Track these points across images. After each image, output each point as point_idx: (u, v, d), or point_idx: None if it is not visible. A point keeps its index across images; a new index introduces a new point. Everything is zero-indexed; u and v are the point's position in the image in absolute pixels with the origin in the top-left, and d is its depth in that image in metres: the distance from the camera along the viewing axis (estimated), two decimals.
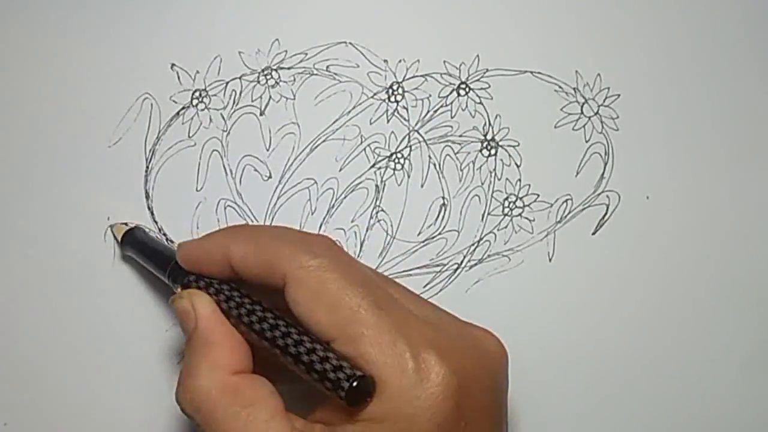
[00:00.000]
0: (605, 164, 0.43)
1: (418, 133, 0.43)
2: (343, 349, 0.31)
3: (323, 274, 0.32)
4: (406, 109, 0.43)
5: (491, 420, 0.33)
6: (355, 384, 0.30)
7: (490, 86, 0.43)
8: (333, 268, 0.32)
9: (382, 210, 0.43)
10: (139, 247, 0.40)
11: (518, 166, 0.43)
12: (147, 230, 0.41)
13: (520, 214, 0.43)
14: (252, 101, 0.43)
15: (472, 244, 0.43)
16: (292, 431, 0.31)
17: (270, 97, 0.43)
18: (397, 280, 0.42)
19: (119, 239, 0.41)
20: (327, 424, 0.31)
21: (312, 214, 0.42)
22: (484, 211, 0.43)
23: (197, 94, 0.43)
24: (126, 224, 0.41)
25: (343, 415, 0.31)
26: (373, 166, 0.43)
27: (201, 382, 0.32)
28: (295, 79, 0.43)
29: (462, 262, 0.42)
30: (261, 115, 0.43)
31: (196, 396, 0.32)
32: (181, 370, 0.34)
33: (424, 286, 0.42)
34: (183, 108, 0.42)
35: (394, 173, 0.43)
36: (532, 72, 0.43)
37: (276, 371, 0.34)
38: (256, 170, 0.42)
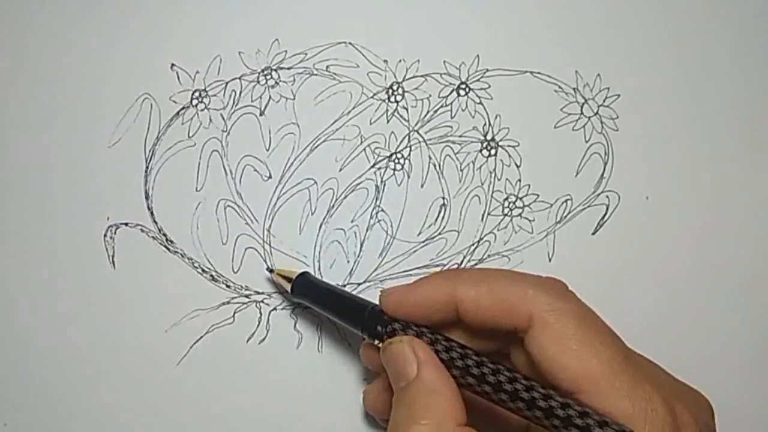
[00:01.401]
0: (605, 164, 0.43)
1: (418, 133, 0.43)
2: (593, 402, 0.30)
3: (573, 319, 0.31)
4: (406, 109, 0.43)
5: None
6: None
7: (490, 86, 0.43)
8: (581, 315, 0.31)
9: (382, 210, 0.43)
10: (317, 295, 0.39)
11: (518, 167, 0.43)
12: (312, 273, 0.40)
13: (520, 215, 0.43)
14: (252, 101, 0.43)
15: (472, 244, 0.43)
16: None
17: (270, 97, 0.43)
18: (397, 279, 0.42)
19: (288, 287, 0.40)
20: None
21: (312, 214, 0.42)
22: (484, 211, 0.43)
23: (197, 94, 0.43)
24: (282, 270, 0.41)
25: None
26: (373, 166, 0.43)
27: (431, 430, 0.31)
28: (295, 79, 0.43)
29: (462, 262, 0.42)
30: (261, 115, 0.43)
31: None
32: (396, 417, 0.32)
33: None
34: (183, 108, 0.42)
35: (394, 173, 0.43)
36: (532, 72, 0.43)
37: (482, 425, 0.33)
38: (255, 170, 0.42)
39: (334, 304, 0.38)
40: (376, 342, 0.35)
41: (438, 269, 0.42)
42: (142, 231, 0.42)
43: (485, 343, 0.34)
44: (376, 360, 0.35)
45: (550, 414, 0.30)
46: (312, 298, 0.39)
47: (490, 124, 0.43)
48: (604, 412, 0.30)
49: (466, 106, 0.43)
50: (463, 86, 0.43)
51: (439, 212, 0.43)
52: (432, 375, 0.32)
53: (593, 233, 0.43)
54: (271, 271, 0.41)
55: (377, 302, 0.36)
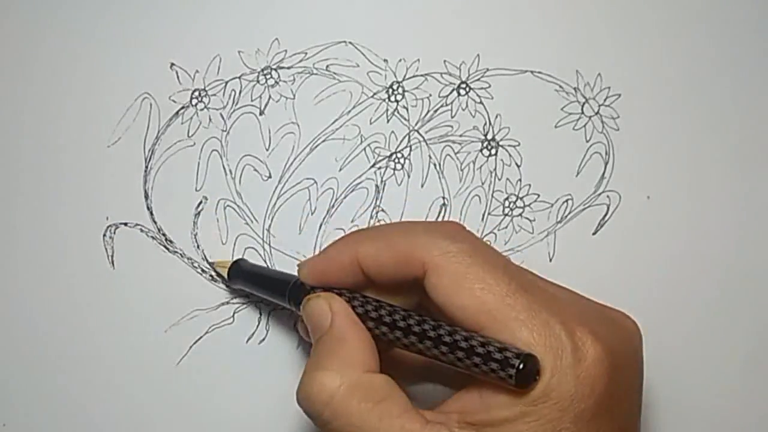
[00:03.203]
0: (606, 164, 0.43)
1: (418, 132, 0.43)
2: (494, 335, 0.31)
3: (465, 259, 0.32)
4: (406, 109, 0.43)
5: (636, 397, 0.33)
6: (523, 365, 0.29)
7: (490, 86, 0.43)
8: (474, 253, 0.32)
9: (382, 210, 0.43)
10: (249, 278, 0.40)
11: (518, 166, 0.43)
12: (248, 260, 0.41)
13: (520, 214, 0.43)
14: (252, 101, 0.43)
15: None
16: (426, 424, 0.31)
17: (270, 96, 0.43)
18: None
19: (226, 275, 0.41)
20: (462, 414, 0.31)
21: (312, 214, 0.42)
22: (485, 211, 0.43)
23: (196, 93, 0.42)
24: (223, 260, 0.41)
25: (494, 402, 0.31)
26: (373, 165, 0.43)
27: (333, 376, 0.32)
28: (294, 79, 0.43)
29: None
30: (261, 114, 0.43)
31: (327, 390, 0.32)
32: (307, 366, 0.33)
33: None
34: (182, 108, 0.42)
35: (394, 173, 0.43)
36: (532, 71, 0.43)
37: (396, 375, 0.33)
38: (255, 170, 0.42)
39: (264, 284, 0.39)
40: (303, 301, 0.36)
41: None
42: (142, 231, 0.42)
43: (402, 299, 0.35)
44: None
45: (455, 347, 0.31)
46: (246, 282, 0.40)
47: (490, 124, 0.43)
48: (505, 343, 0.30)
49: (467, 106, 0.43)
50: (464, 86, 0.43)
51: (440, 212, 0.43)
52: (342, 324, 0.33)
53: (594, 233, 0.43)
54: (211, 264, 0.42)
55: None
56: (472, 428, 0.31)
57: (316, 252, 0.42)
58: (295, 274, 0.37)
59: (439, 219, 0.43)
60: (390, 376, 0.33)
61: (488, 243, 0.34)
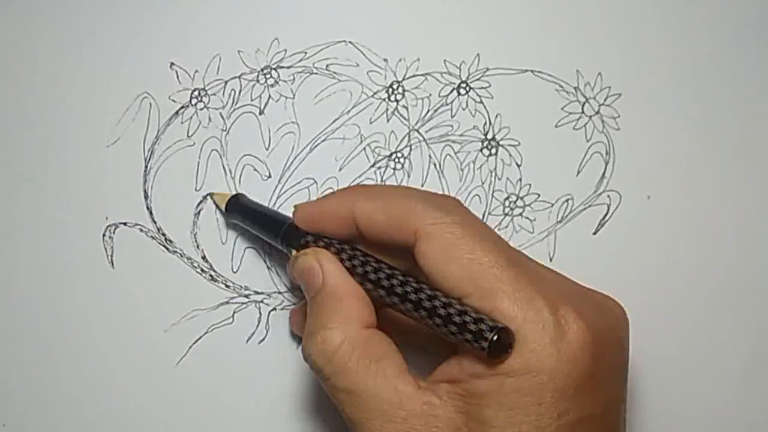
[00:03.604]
0: (606, 164, 0.43)
1: (419, 132, 0.43)
2: (477, 304, 0.31)
3: (456, 230, 0.32)
4: (406, 109, 0.43)
5: (619, 378, 0.33)
6: (496, 336, 0.29)
7: (490, 85, 0.43)
8: (466, 224, 0.32)
9: None
10: (246, 213, 0.40)
11: (519, 166, 0.43)
12: (249, 196, 0.42)
13: (520, 214, 0.43)
14: (251, 100, 0.43)
15: None
16: (418, 389, 0.32)
17: (269, 96, 0.43)
18: None
19: (223, 207, 0.41)
20: (450, 383, 0.32)
21: None
22: (485, 211, 0.43)
23: (196, 93, 0.42)
24: (220, 193, 0.42)
25: (473, 371, 0.31)
26: (373, 165, 0.43)
27: (334, 333, 0.32)
28: (294, 78, 0.43)
29: None
30: (260, 114, 0.43)
31: (330, 346, 0.32)
32: (308, 325, 0.34)
33: None
34: (182, 107, 0.42)
35: (394, 173, 0.43)
36: (532, 71, 0.43)
37: (393, 333, 0.34)
38: (255, 170, 0.42)
39: (260, 221, 0.39)
40: (293, 253, 0.36)
41: None
42: (141, 230, 0.42)
43: (393, 259, 0.35)
44: None
45: (433, 313, 0.31)
46: (243, 217, 0.40)
47: (490, 124, 0.43)
48: (486, 313, 0.30)
49: (467, 105, 0.43)
50: (464, 85, 0.43)
51: None
52: (335, 281, 0.34)
53: (594, 233, 0.43)
54: (209, 195, 0.42)
55: None
56: (460, 398, 0.31)
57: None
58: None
59: None
60: (389, 333, 0.34)
61: (481, 220, 0.35)
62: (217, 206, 0.42)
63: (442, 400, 0.31)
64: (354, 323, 0.33)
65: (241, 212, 0.41)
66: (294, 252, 0.36)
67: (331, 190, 0.42)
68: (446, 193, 0.43)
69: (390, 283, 0.33)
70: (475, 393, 0.31)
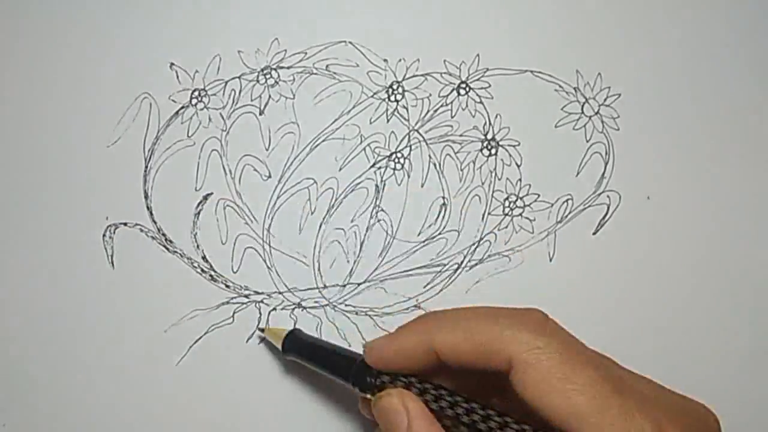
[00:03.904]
0: (606, 164, 0.43)
1: (418, 132, 0.43)
2: None
3: (554, 356, 0.31)
4: (406, 109, 0.43)
5: None
6: None
7: (490, 85, 0.43)
8: (563, 349, 0.31)
9: (382, 210, 0.43)
10: (306, 352, 0.39)
11: (519, 166, 0.43)
12: (303, 330, 0.40)
13: (520, 214, 0.43)
14: (251, 101, 0.43)
15: (473, 244, 0.43)
16: None
17: (269, 96, 0.43)
18: (397, 279, 0.42)
19: (279, 345, 0.40)
20: None
21: (312, 214, 0.42)
22: (485, 211, 0.43)
23: (196, 93, 0.42)
24: (269, 327, 0.41)
25: None
26: (373, 165, 0.43)
27: None
28: (294, 79, 0.43)
29: (462, 262, 0.42)
30: (260, 114, 0.43)
31: None
32: None
33: (424, 287, 0.42)
34: (182, 107, 0.42)
35: (394, 173, 0.43)
36: (532, 71, 0.43)
37: None
38: (255, 170, 0.42)
39: (324, 360, 0.38)
40: (368, 395, 0.35)
41: (438, 270, 0.42)
42: (141, 231, 0.42)
43: (476, 383, 0.34)
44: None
45: None
46: (302, 354, 0.39)
47: (490, 124, 0.43)
48: None
49: (467, 106, 0.43)
50: (464, 85, 0.43)
51: (440, 212, 0.43)
52: (422, 428, 0.32)
53: (594, 233, 0.43)
54: (262, 330, 0.41)
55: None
56: None
57: (316, 253, 0.42)
58: (357, 351, 0.36)
59: (443, 220, 0.43)
60: None
61: (572, 335, 0.33)
62: (268, 344, 0.41)
63: None
64: None
65: (299, 351, 0.39)
66: (369, 395, 0.35)
67: (332, 190, 0.42)
68: (446, 194, 0.43)
69: (488, 426, 0.31)
70: None
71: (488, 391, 0.34)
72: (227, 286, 0.42)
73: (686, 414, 0.32)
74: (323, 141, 0.43)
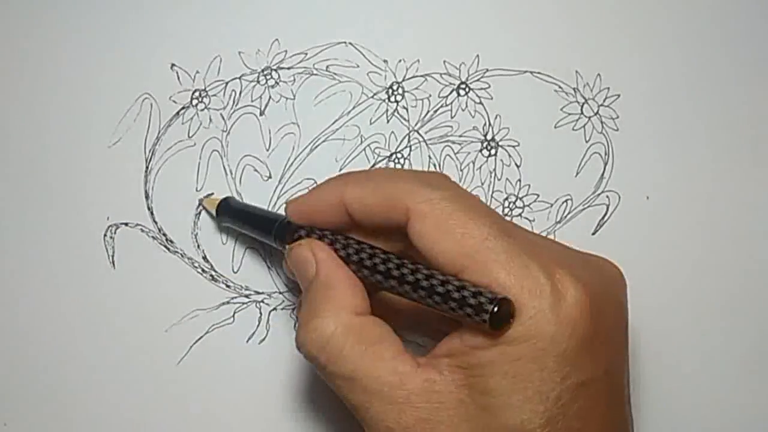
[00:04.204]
0: (605, 164, 0.43)
1: (418, 133, 0.43)
2: (474, 278, 0.31)
3: (448, 205, 0.32)
4: (406, 109, 0.43)
5: (619, 339, 0.33)
6: (497, 308, 0.29)
7: (490, 86, 0.43)
8: (456, 199, 0.32)
9: None
10: (237, 215, 0.41)
11: (518, 166, 0.43)
12: (238, 198, 0.42)
13: (520, 214, 0.43)
14: (252, 101, 0.43)
15: None
16: (417, 367, 0.32)
17: (270, 97, 0.43)
18: None
19: (214, 211, 0.41)
20: (451, 357, 0.32)
21: None
22: None
23: (197, 94, 0.42)
24: (211, 195, 0.42)
25: (475, 344, 0.31)
26: (373, 166, 0.43)
27: (327, 322, 0.33)
28: (295, 79, 0.43)
29: None
30: (261, 115, 0.43)
31: (322, 335, 0.32)
32: (301, 314, 0.34)
33: None
34: (183, 108, 0.42)
35: None
36: (532, 72, 0.43)
37: (389, 318, 0.34)
38: (256, 170, 0.42)
39: (251, 221, 0.40)
40: (287, 249, 0.36)
41: None
42: (142, 231, 0.42)
43: (386, 245, 0.35)
44: None
45: (432, 292, 0.31)
46: (234, 219, 0.41)
47: (490, 124, 0.43)
48: (484, 286, 0.30)
49: (466, 106, 0.43)
50: (463, 86, 0.43)
51: None
52: (328, 271, 0.34)
53: (593, 233, 0.43)
54: (199, 202, 0.42)
55: None
56: (461, 371, 0.31)
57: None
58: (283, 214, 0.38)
59: None
60: (382, 318, 0.34)
61: (472, 194, 0.35)
62: (207, 211, 0.42)
63: (442, 375, 0.31)
64: (346, 311, 0.33)
65: (231, 215, 0.41)
66: (288, 247, 0.37)
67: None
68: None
69: (386, 267, 0.33)
70: (477, 364, 0.31)
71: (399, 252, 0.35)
72: (228, 286, 0.42)
73: (583, 264, 0.33)
74: (323, 141, 0.43)
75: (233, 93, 0.43)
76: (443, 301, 0.31)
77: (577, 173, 0.43)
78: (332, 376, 0.33)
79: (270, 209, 0.42)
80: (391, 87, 0.43)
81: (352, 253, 0.34)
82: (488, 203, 0.43)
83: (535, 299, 0.30)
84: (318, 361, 0.33)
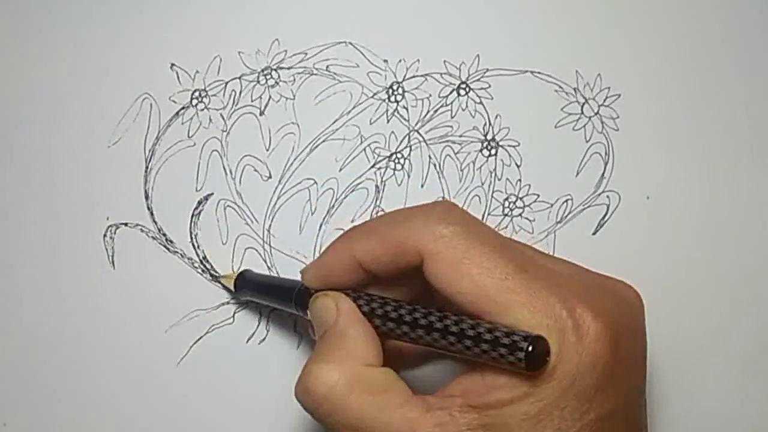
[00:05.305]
0: (605, 164, 0.43)
1: (418, 133, 0.43)
2: (497, 320, 0.30)
3: (461, 242, 0.31)
4: (406, 109, 0.43)
5: (638, 368, 0.33)
6: (531, 347, 0.29)
7: (490, 86, 0.43)
8: (468, 235, 0.32)
9: (382, 210, 0.43)
10: (255, 288, 0.40)
11: (518, 166, 0.43)
12: (252, 270, 0.42)
13: (520, 215, 0.43)
14: (252, 101, 0.43)
15: None
16: (427, 411, 0.31)
17: (270, 97, 0.43)
18: None
19: (232, 287, 0.41)
20: (465, 396, 0.31)
21: (312, 214, 0.42)
22: (485, 212, 0.43)
23: (197, 94, 0.42)
24: (231, 272, 0.42)
25: (497, 384, 0.30)
26: (373, 166, 0.43)
27: (332, 370, 0.32)
28: (294, 79, 0.43)
29: None
30: (261, 115, 0.43)
31: (326, 383, 0.31)
32: (307, 361, 0.33)
33: None
34: (182, 108, 0.42)
35: (394, 173, 0.43)
36: (532, 72, 0.43)
37: (402, 364, 0.34)
38: (255, 170, 0.42)
39: (270, 292, 0.39)
40: (308, 315, 0.36)
41: None
42: (142, 231, 0.42)
43: (407, 292, 0.35)
44: None
45: (463, 336, 0.30)
46: (254, 292, 0.40)
47: (490, 124, 0.43)
48: (509, 327, 0.30)
49: (467, 106, 0.43)
50: (464, 86, 0.43)
51: None
52: (345, 320, 0.33)
53: (594, 233, 0.43)
54: (216, 278, 0.42)
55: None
56: (474, 411, 0.31)
57: (316, 253, 0.42)
58: (299, 278, 0.37)
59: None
60: (393, 366, 0.33)
61: (479, 218, 0.34)
62: (226, 288, 0.42)
63: (452, 417, 0.31)
64: (355, 360, 0.32)
65: (251, 288, 0.40)
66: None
67: (332, 190, 0.42)
68: (445, 194, 0.43)
69: (413, 317, 0.32)
70: (496, 404, 0.30)
71: (424, 300, 0.34)
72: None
73: (602, 293, 0.32)
74: (323, 141, 0.43)
75: (233, 93, 0.43)
76: (474, 344, 0.30)
77: (578, 173, 0.43)
78: (337, 425, 0.32)
79: (271, 210, 0.42)
80: (391, 87, 0.43)
81: (376, 307, 0.34)
82: (488, 203, 0.43)
83: (559, 338, 0.30)
84: (320, 410, 0.32)
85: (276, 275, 0.42)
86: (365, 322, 0.33)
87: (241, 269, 0.42)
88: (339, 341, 0.33)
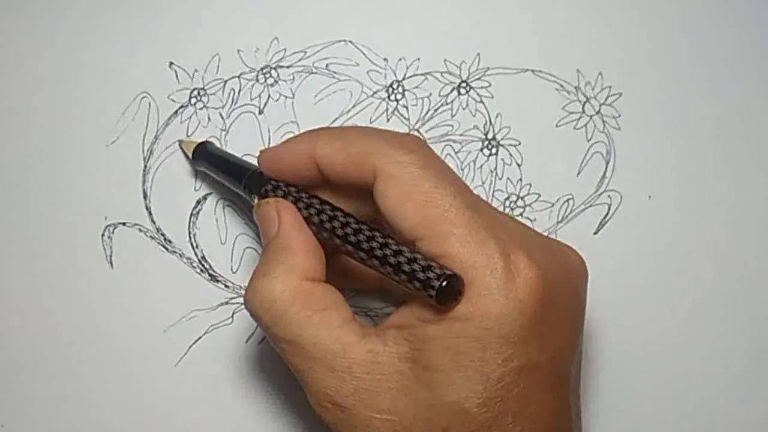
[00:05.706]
0: (607, 163, 0.43)
1: (419, 132, 0.43)
2: (430, 248, 0.31)
3: (416, 171, 0.32)
4: (407, 108, 0.43)
5: (571, 328, 0.33)
6: (445, 283, 0.29)
7: (490, 85, 0.43)
8: (426, 166, 0.32)
9: None
10: (212, 160, 0.40)
11: (519, 166, 0.43)
12: (217, 143, 0.42)
13: (521, 214, 0.43)
14: (251, 100, 0.43)
15: None
16: (363, 337, 0.32)
17: (269, 95, 0.43)
18: None
19: (190, 154, 0.41)
20: (399, 328, 0.32)
21: None
22: None
23: (195, 92, 0.42)
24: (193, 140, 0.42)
25: (423, 316, 0.31)
26: None
27: (275, 284, 0.32)
28: (294, 78, 0.43)
29: None
30: (260, 114, 0.43)
31: (268, 296, 0.32)
32: (254, 271, 0.34)
33: None
34: (181, 107, 0.42)
35: None
36: (533, 70, 0.43)
37: (346, 282, 0.34)
38: None
39: (224, 167, 0.39)
40: (255, 200, 0.36)
41: None
42: (140, 231, 0.42)
43: (356, 205, 0.35)
44: None
45: (384, 262, 0.31)
46: (209, 164, 0.40)
47: (491, 123, 0.43)
48: (438, 257, 0.30)
49: (467, 105, 0.43)
50: (464, 85, 0.43)
51: None
52: (288, 233, 0.34)
53: (595, 233, 0.43)
54: (179, 142, 0.42)
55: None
56: (407, 344, 0.31)
57: None
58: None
59: None
60: (341, 281, 0.34)
61: (443, 162, 0.34)
62: (184, 153, 0.41)
63: (386, 347, 0.31)
64: (297, 274, 0.33)
65: (207, 159, 0.40)
66: (256, 200, 0.36)
67: None
68: None
69: (344, 231, 0.33)
70: (422, 338, 0.31)
71: (366, 216, 0.35)
72: (226, 287, 0.42)
73: (544, 248, 0.32)
74: None
75: (232, 92, 0.42)
76: (394, 272, 0.31)
77: (579, 172, 0.43)
78: (276, 338, 0.33)
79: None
80: (391, 86, 0.43)
81: (313, 213, 0.34)
82: (489, 202, 0.43)
83: (486, 277, 0.30)
84: (262, 320, 0.33)
85: (233, 154, 0.41)
86: (307, 231, 0.34)
87: (204, 140, 0.41)
88: (281, 253, 0.33)
